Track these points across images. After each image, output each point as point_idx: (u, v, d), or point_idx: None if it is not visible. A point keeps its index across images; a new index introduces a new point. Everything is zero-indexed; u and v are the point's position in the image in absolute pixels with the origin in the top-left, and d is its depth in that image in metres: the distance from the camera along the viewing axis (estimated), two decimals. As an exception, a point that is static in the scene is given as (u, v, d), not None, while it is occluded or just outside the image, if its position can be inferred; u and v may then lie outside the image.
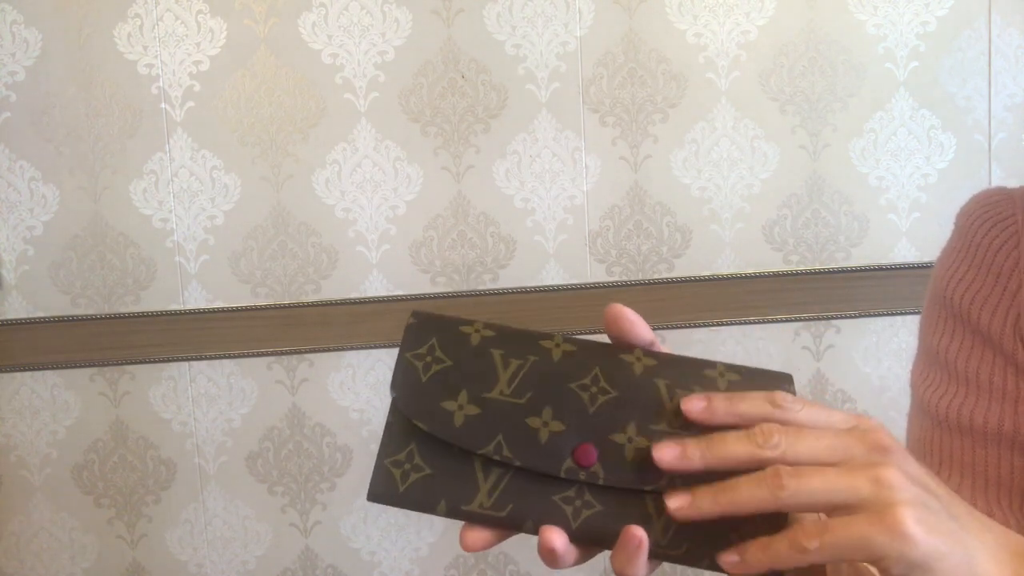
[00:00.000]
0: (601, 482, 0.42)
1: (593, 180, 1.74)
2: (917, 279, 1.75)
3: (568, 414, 0.43)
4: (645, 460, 0.42)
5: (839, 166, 1.74)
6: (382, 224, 1.75)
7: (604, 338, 0.46)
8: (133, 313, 1.75)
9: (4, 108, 1.71)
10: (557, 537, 0.42)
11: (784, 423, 0.41)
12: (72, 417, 1.78)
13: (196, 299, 1.75)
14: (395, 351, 1.80)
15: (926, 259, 1.76)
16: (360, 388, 1.78)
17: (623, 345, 0.45)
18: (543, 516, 0.43)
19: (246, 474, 1.80)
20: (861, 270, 1.76)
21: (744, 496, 0.39)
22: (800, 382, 1.77)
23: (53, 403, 1.78)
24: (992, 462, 0.62)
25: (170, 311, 1.75)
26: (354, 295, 1.76)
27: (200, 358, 1.77)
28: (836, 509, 0.39)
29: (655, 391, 0.43)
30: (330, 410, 1.79)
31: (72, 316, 1.75)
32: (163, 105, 1.71)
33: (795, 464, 0.39)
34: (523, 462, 0.42)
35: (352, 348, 1.76)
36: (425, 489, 0.43)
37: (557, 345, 0.45)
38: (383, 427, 0.44)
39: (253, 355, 1.77)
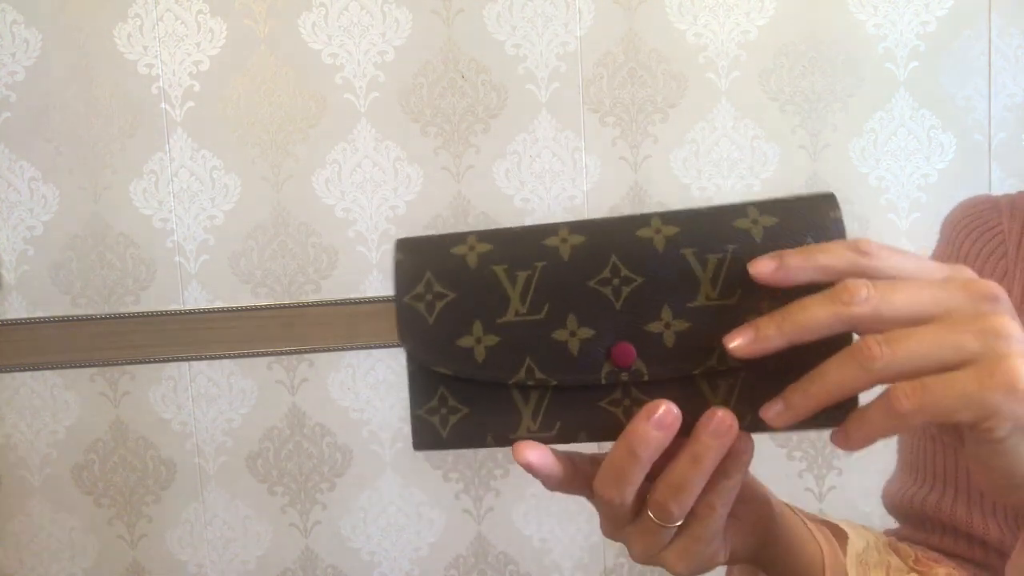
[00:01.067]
0: (646, 378, 0.39)
1: (593, 180, 1.74)
2: (917, 279, 1.75)
3: (594, 316, 0.39)
4: (688, 343, 0.39)
5: (839, 166, 1.74)
6: (382, 224, 1.75)
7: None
8: (133, 313, 1.75)
9: (4, 108, 1.71)
10: (668, 412, 0.38)
11: (872, 274, 0.36)
12: (72, 417, 1.78)
13: (196, 299, 1.75)
14: (395, 351, 1.81)
15: (926, 259, 1.75)
16: (360, 388, 1.78)
17: (637, 217, 0.40)
18: (595, 425, 0.40)
19: (246, 474, 1.80)
20: (861, 270, 1.76)
21: (834, 380, 0.35)
22: (800, 382, 1.77)
23: (53, 403, 1.78)
24: None
25: (170, 311, 1.75)
26: (354, 295, 1.76)
27: (200, 358, 1.77)
28: (941, 370, 0.34)
29: (684, 264, 0.39)
30: (330, 410, 1.79)
31: (72, 316, 1.75)
32: (163, 105, 1.71)
33: (891, 321, 0.35)
34: (560, 380, 0.40)
35: (352, 348, 1.76)
36: (468, 428, 0.41)
37: (564, 240, 0.40)
38: (407, 380, 0.42)
39: (253, 355, 1.77)
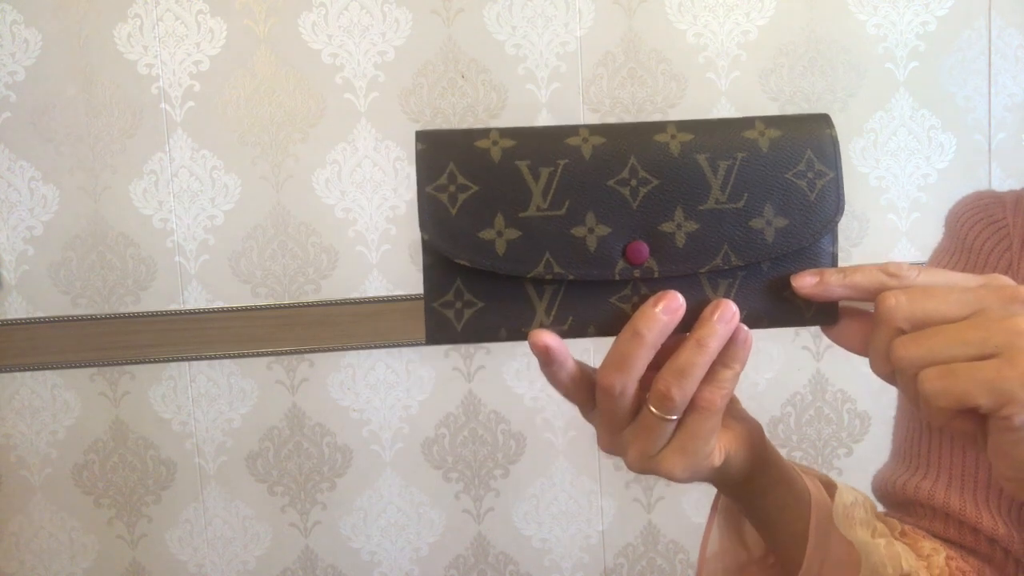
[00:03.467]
0: (657, 275, 0.42)
1: (593, 180, 1.74)
2: (917, 279, 1.75)
3: (612, 214, 0.42)
4: (697, 243, 0.42)
5: (839, 166, 1.74)
6: (382, 224, 1.75)
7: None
8: (133, 313, 1.75)
9: (4, 108, 1.71)
10: (674, 298, 0.41)
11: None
12: (72, 417, 1.78)
13: (196, 299, 1.75)
14: (395, 351, 1.81)
15: (926, 259, 1.75)
16: (360, 388, 1.78)
17: (653, 123, 0.43)
18: (604, 320, 0.42)
19: (246, 474, 1.80)
20: (861, 270, 1.76)
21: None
22: (800, 382, 1.77)
23: (53, 403, 1.78)
24: (982, 465, 0.62)
25: (170, 311, 1.75)
26: (354, 295, 1.76)
27: (200, 358, 1.77)
28: (969, 360, 0.38)
29: (697, 169, 0.42)
30: (330, 410, 1.79)
31: (72, 316, 1.75)
32: (163, 105, 1.71)
33: (925, 319, 0.39)
34: (576, 275, 0.42)
35: (352, 348, 1.76)
36: (482, 322, 0.42)
37: (585, 140, 0.42)
38: (424, 273, 0.43)
39: (253, 355, 1.77)
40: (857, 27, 1.72)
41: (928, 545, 0.60)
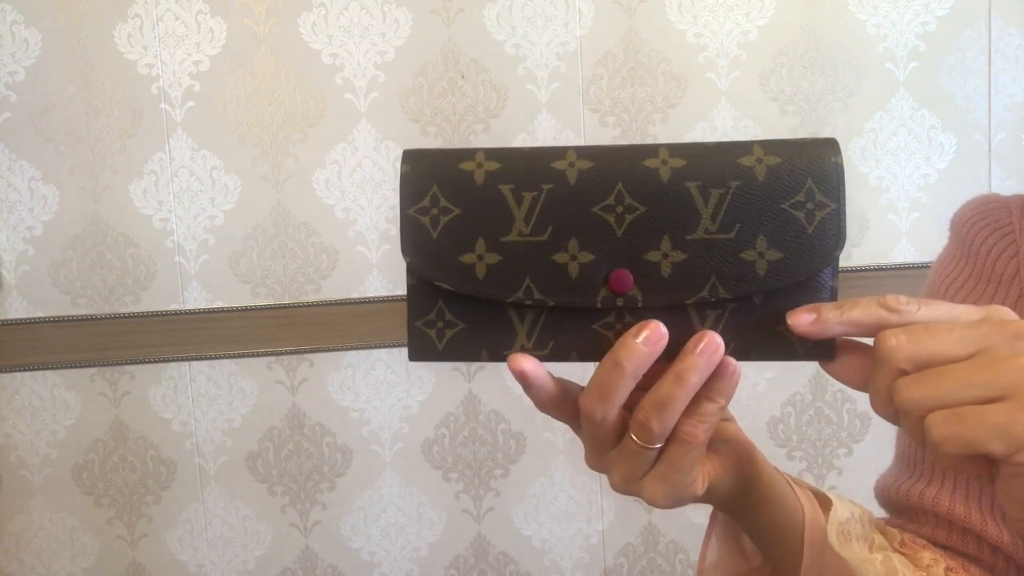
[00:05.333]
0: (640, 305, 0.41)
1: (593, 180, 1.74)
2: (917, 279, 1.75)
3: (596, 242, 0.41)
4: (684, 274, 0.41)
5: (839, 166, 1.74)
6: (382, 224, 1.75)
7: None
8: (133, 313, 1.75)
9: (4, 108, 1.71)
10: (656, 330, 0.40)
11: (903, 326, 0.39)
12: (72, 417, 1.78)
13: (196, 299, 1.75)
14: (395, 351, 1.80)
15: (926, 259, 1.76)
16: (360, 388, 1.78)
17: (645, 147, 0.41)
18: (586, 346, 0.42)
19: (246, 474, 1.80)
20: (861, 270, 1.76)
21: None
22: (800, 383, 1.77)
23: (53, 403, 1.78)
24: None
25: (170, 311, 1.75)
26: (354, 295, 1.76)
27: (200, 358, 1.77)
28: (976, 403, 0.36)
29: (687, 197, 0.40)
30: (330, 410, 1.79)
31: (72, 316, 1.75)
32: (163, 105, 1.71)
33: (928, 359, 0.37)
34: (556, 301, 0.41)
35: (352, 348, 1.76)
36: (463, 343, 0.42)
37: (571, 164, 0.41)
38: (408, 294, 0.43)
39: (253, 355, 1.77)
40: (857, 27, 1.72)
41: (928, 555, 0.60)
